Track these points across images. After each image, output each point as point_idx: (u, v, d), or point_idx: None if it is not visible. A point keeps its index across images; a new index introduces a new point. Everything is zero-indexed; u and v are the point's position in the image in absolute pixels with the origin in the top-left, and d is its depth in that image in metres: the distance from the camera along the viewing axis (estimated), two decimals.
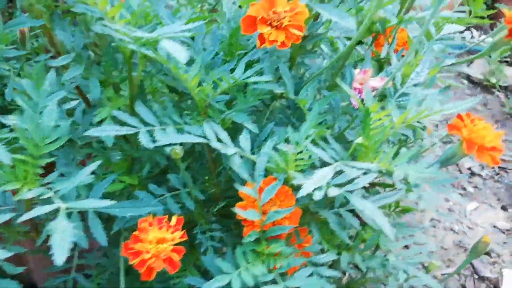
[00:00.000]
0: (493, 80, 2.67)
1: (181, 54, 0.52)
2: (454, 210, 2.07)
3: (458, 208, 2.08)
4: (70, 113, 0.78)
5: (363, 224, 0.75)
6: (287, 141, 0.66)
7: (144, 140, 0.61)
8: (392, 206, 1.05)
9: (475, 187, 2.19)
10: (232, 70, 0.73)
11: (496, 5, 2.97)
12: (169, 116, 0.67)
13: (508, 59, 2.71)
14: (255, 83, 0.74)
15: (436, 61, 1.06)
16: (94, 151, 0.75)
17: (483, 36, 0.99)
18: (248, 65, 0.75)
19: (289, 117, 0.80)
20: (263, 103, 0.83)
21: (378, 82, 0.71)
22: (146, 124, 0.64)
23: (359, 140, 0.68)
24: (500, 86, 2.71)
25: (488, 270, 1.79)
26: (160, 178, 0.79)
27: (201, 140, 0.63)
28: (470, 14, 0.98)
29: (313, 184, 0.57)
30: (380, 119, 0.68)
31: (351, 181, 0.64)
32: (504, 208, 2.08)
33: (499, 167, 2.31)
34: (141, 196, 0.71)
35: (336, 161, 0.65)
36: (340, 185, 0.60)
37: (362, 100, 0.70)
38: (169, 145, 0.62)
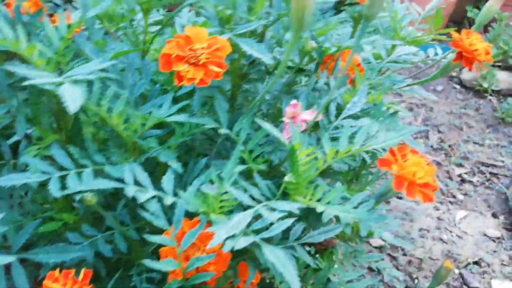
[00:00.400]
0: (485, 85, 2.57)
1: (72, 103, 0.48)
2: (443, 219, 1.98)
3: (447, 217, 1.99)
4: None
5: None
6: (211, 181, 0.61)
7: (53, 188, 0.56)
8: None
9: (465, 194, 2.10)
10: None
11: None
12: (91, 157, 0.63)
13: (500, 63, 2.61)
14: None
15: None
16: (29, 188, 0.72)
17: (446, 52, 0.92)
18: (183, 97, 0.71)
19: (229, 150, 0.75)
20: (204, 134, 0.78)
21: (309, 115, 0.65)
22: (62, 168, 0.60)
23: (288, 178, 0.63)
24: (492, 90, 2.60)
25: (477, 281, 1.70)
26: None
27: (116, 185, 0.58)
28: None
29: (226, 232, 0.52)
30: (308, 155, 0.62)
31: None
32: (494, 215, 1.99)
33: (490, 173, 2.21)
34: (72, 238, 0.67)
35: (261, 201, 0.60)
36: (258, 231, 0.55)
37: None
38: (79, 192, 0.57)
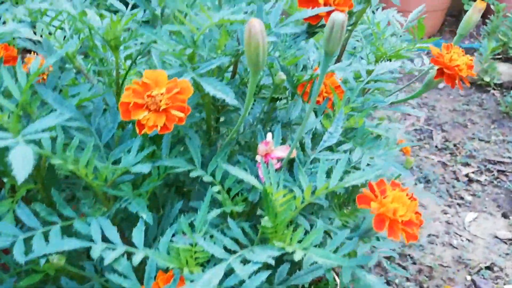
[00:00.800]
0: (487, 79, 2.51)
1: (20, 171, 0.45)
2: (452, 223, 1.93)
3: (456, 220, 1.93)
4: None
5: None
6: (184, 232, 0.58)
7: (17, 253, 0.54)
8: None
9: (473, 194, 2.04)
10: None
11: (486, 0, 2.81)
12: (59, 212, 0.60)
13: (500, 56, 2.54)
14: (154, 161, 0.66)
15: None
16: None
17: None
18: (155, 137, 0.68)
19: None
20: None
21: (283, 151, 0.62)
22: (29, 229, 0.58)
23: (264, 222, 0.59)
24: (494, 84, 2.54)
25: (490, 287, 1.65)
26: None
27: (83, 244, 0.56)
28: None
29: None
30: (285, 196, 0.59)
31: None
32: (504, 215, 1.92)
33: (498, 171, 2.14)
34: None
35: (236, 251, 0.56)
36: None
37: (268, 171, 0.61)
38: (45, 255, 0.55)
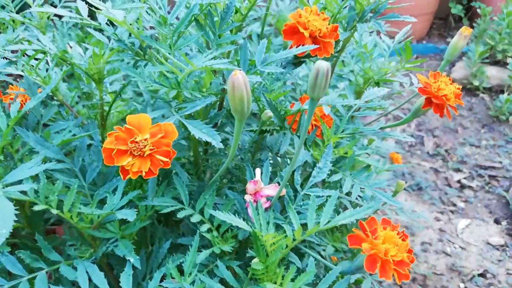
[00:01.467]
0: (476, 83, 2.53)
1: (1, 229, 0.44)
2: (445, 230, 1.94)
3: (449, 227, 1.94)
4: None
5: None
6: (172, 275, 0.58)
7: None
8: None
9: (466, 201, 2.05)
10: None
11: (473, 3, 2.83)
12: (44, 258, 0.59)
13: (488, 60, 2.56)
14: (140, 198, 0.65)
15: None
16: None
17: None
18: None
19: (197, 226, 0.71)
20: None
21: (272, 190, 0.61)
22: (15, 276, 0.57)
23: (254, 263, 0.59)
24: (484, 88, 2.56)
25: None
26: None
27: None
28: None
29: None
30: (274, 237, 0.59)
31: None
32: (496, 221, 1.94)
33: (489, 176, 2.16)
34: None
35: None
36: None
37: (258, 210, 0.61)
38: None
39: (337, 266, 0.60)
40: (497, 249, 1.82)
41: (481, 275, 1.72)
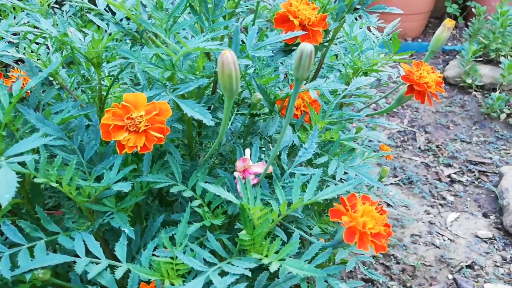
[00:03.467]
0: (469, 81, 2.57)
1: (3, 195, 0.48)
2: (434, 223, 1.98)
3: (438, 220, 1.99)
4: None
5: None
6: (165, 246, 0.61)
7: (3, 268, 0.56)
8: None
9: (455, 195, 2.09)
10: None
11: (468, 3, 2.87)
12: (43, 228, 0.63)
13: (482, 58, 2.60)
14: (138, 176, 0.69)
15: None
16: None
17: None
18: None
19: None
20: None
21: (260, 167, 0.65)
22: (15, 244, 0.60)
23: (242, 235, 0.62)
24: (476, 86, 2.60)
25: (471, 285, 1.70)
26: None
27: (68, 259, 0.58)
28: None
29: None
30: (261, 210, 0.62)
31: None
32: (485, 215, 1.98)
33: (479, 171, 2.21)
34: None
35: (215, 264, 0.60)
36: None
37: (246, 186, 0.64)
38: (30, 270, 0.57)
39: (319, 241, 0.64)
40: (485, 242, 1.87)
41: (469, 266, 1.76)
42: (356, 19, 1.15)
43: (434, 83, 0.73)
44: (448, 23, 0.79)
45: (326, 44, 0.85)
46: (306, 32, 0.67)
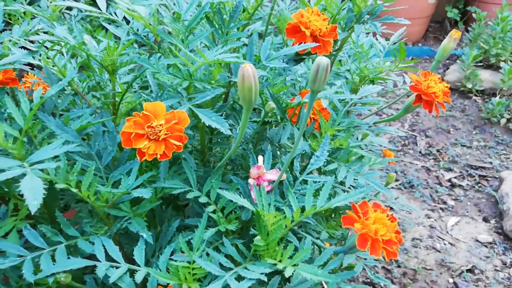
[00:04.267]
0: (469, 85, 2.60)
1: (32, 201, 0.50)
2: (435, 227, 2.01)
3: (439, 224, 2.02)
4: None
5: None
6: (182, 250, 0.64)
7: (26, 272, 0.58)
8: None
9: (456, 199, 2.13)
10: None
11: (468, 8, 2.91)
12: (63, 233, 0.65)
13: (482, 63, 2.64)
14: (153, 182, 0.71)
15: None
16: None
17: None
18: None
19: (202, 207, 0.77)
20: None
21: (273, 174, 0.68)
22: (36, 248, 0.62)
23: (257, 241, 0.65)
24: (476, 90, 2.64)
25: None
26: None
27: (88, 263, 0.60)
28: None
29: None
30: (275, 217, 0.65)
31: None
32: (485, 219, 2.01)
33: (479, 176, 2.24)
34: None
35: (231, 268, 0.62)
36: None
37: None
38: (53, 274, 0.59)
39: (331, 247, 0.66)
40: (486, 246, 1.90)
41: (469, 270, 1.79)
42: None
43: (442, 93, 0.76)
44: (454, 34, 0.82)
45: (334, 53, 0.87)
46: (318, 44, 0.70)
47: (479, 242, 1.92)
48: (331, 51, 0.78)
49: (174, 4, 0.64)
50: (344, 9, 0.83)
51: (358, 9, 0.82)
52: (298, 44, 0.73)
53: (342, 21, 0.85)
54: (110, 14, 0.73)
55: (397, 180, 2.23)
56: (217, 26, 0.70)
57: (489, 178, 2.21)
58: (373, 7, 0.83)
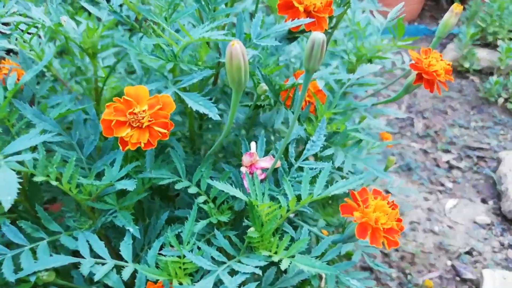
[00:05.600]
0: (466, 65, 2.57)
1: (5, 197, 0.46)
2: (433, 209, 1.99)
3: (437, 207, 2.00)
4: None
5: None
6: (171, 244, 0.60)
7: (7, 271, 0.55)
8: None
9: (454, 181, 2.11)
10: None
11: None
12: (45, 228, 0.61)
13: (479, 42, 2.60)
14: (137, 171, 0.67)
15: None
16: None
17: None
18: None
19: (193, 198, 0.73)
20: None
21: (267, 162, 0.64)
22: (17, 245, 0.59)
23: (251, 232, 0.61)
24: (474, 70, 2.60)
25: (470, 272, 1.72)
26: None
27: (72, 260, 0.57)
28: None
29: None
30: (270, 207, 0.61)
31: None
32: (483, 201, 2.00)
33: (477, 157, 2.22)
34: None
35: (223, 262, 0.59)
36: None
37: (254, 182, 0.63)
38: (34, 273, 0.56)
39: (329, 236, 0.63)
40: (483, 227, 1.88)
41: (467, 253, 1.78)
42: None
43: (443, 71, 0.72)
44: (456, 8, 0.78)
45: (330, 30, 0.83)
46: (312, 20, 0.65)
47: (477, 224, 1.91)
48: (326, 29, 0.73)
49: None
50: None
51: None
52: (291, 21, 0.68)
53: None
54: None
55: (395, 163, 2.21)
56: (203, 1, 0.65)
57: (487, 159, 2.19)
58: None
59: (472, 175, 2.12)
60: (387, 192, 2.01)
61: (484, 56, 2.57)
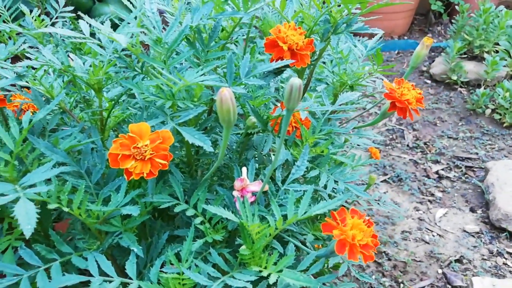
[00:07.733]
0: (454, 77, 2.66)
1: (26, 225, 0.53)
2: (424, 219, 2.07)
3: (428, 216, 2.07)
4: None
5: None
6: (171, 262, 0.67)
7: None
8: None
9: (443, 191, 2.18)
10: None
11: (452, 0, 2.95)
12: (57, 250, 0.68)
13: (466, 55, 2.69)
14: (140, 196, 0.75)
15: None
16: None
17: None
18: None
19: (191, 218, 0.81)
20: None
21: (256, 186, 0.71)
22: (31, 266, 0.66)
23: (243, 250, 0.69)
24: (462, 82, 2.70)
25: (460, 279, 1.79)
26: None
27: (82, 279, 0.64)
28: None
29: None
30: (259, 227, 0.69)
31: None
32: (472, 210, 2.08)
33: (466, 167, 2.30)
34: None
35: (218, 278, 0.66)
36: None
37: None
38: None
39: (313, 251, 0.71)
40: (473, 236, 1.96)
41: (457, 260, 1.85)
42: None
43: (415, 100, 0.80)
44: (427, 41, 0.86)
45: (313, 63, 0.91)
46: (294, 61, 0.73)
47: (467, 232, 1.98)
48: (309, 63, 0.82)
49: (154, 28, 0.68)
50: (321, 21, 0.86)
51: (334, 21, 0.86)
52: (277, 59, 0.77)
53: (319, 32, 0.89)
54: (94, 38, 0.76)
55: (385, 174, 2.28)
56: (198, 45, 0.73)
57: (475, 169, 2.27)
58: (348, 18, 0.87)
59: (461, 185, 2.20)
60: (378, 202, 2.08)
61: (471, 69, 2.67)
